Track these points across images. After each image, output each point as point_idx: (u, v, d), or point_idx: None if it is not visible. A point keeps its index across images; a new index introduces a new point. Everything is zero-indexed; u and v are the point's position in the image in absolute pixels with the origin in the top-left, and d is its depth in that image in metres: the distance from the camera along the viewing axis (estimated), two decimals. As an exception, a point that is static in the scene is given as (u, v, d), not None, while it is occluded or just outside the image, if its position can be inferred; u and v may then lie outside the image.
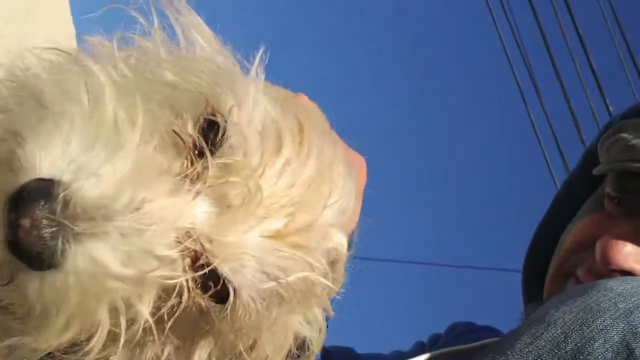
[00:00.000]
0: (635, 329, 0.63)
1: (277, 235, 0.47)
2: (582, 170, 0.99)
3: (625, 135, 0.87)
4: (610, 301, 0.65)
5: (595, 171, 0.89)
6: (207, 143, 0.47)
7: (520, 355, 0.65)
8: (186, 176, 0.46)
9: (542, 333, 0.65)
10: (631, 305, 0.64)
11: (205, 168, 0.46)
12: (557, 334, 0.64)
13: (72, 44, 0.60)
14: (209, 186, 0.46)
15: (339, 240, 0.53)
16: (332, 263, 0.53)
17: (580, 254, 0.86)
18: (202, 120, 0.48)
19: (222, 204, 0.46)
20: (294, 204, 0.48)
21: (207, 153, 0.46)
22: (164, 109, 0.47)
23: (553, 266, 0.90)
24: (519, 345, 0.65)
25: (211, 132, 0.48)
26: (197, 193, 0.45)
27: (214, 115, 0.48)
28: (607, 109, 4.24)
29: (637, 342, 0.62)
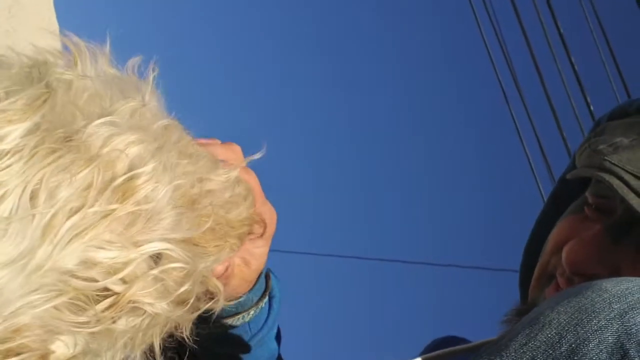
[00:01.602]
0: (630, 329, 0.63)
1: None
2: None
3: (600, 138, 0.87)
4: (605, 302, 0.65)
5: (569, 175, 0.89)
6: None
7: (515, 356, 0.64)
8: None
9: (537, 334, 0.65)
10: (626, 306, 0.64)
11: None
12: (552, 334, 0.64)
13: (55, 39, 0.59)
14: None
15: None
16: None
17: (558, 257, 0.86)
18: None
19: None
20: None
21: None
22: None
23: (537, 268, 0.90)
24: (514, 346, 0.65)
25: None
26: None
27: None
28: (589, 108, 4.27)
29: (632, 343, 0.62)
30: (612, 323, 0.63)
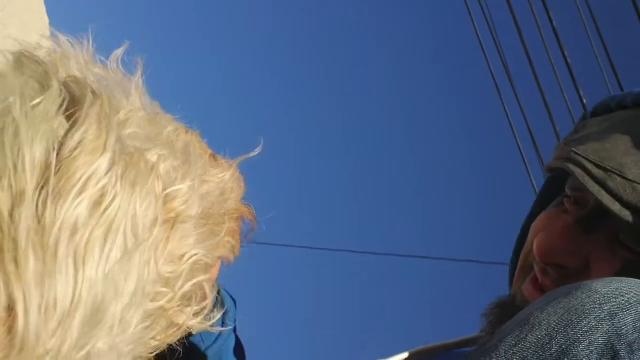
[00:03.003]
0: (620, 330, 0.62)
1: None
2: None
3: (575, 134, 0.88)
4: (595, 303, 0.64)
5: (545, 169, 0.90)
6: None
7: (505, 358, 0.64)
8: None
9: (527, 335, 0.64)
10: (616, 306, 0.64)
11: None
12: (542, 335, 0.64)
13: (45, 33, 0.58)
14: None
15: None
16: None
17: None
18: None
19: None
20: None
21: None
22: None
23: (519, 260, 0.91)
24: (504, 347, 0.65)
25: None
26: None
27: None
28: (582, 101, 4.28)
29: (622, 344, 0.62)
30: (602, 324, 0.63)
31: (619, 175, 0.78)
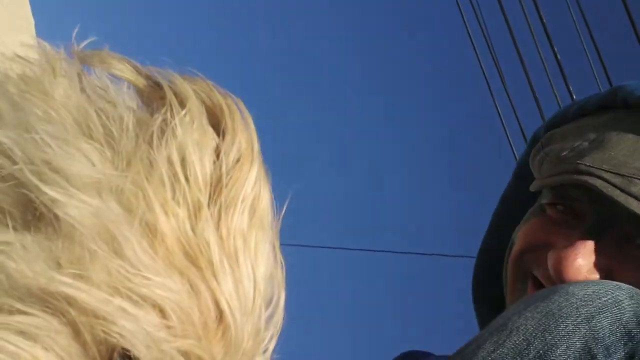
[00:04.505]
0: (597, 334, 0.62)
1: None
2: (516, 185, 0.99)
3: (555, 146, 0.86)
4: (572, 306, 0.64)
5: (532, 188, 0.88)
6: None
7: None
8: None
9: (505, 340, 0.64)
10: (593, 310, 0.63)
11: None
12: (520, 341, 0.64)
13: (31, 33, 0.57)
14: None
15: None
16: None
17: (532, 255, 0.85)
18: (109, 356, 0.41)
19: None
20: None
21: None
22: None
23: (509, 269, 0.89)
24: (482, 354, 0.64)
25: None
26: None
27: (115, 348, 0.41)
28: (571, 96, 4.29)
29: (599, 348, 0.62)
30: (579, 328, 0.63)
31: None
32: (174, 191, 0.43)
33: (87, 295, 0.39)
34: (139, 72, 0.48)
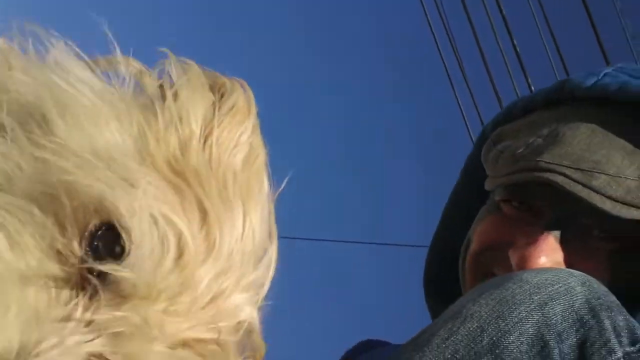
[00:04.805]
0: (550, 320, 0.63)
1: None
2: (466, 181, 0.99)
3: (508, 143, 0.86)
4: (525, 293, 0.64)
5: (487, 187, 0.88)
6: (101, 258, 0.40)
7: (438, 351, 0.64)
8: (76, 308, 0.39)
9: (459, 327, 0.64)
10: (545, 296, 0.64)
11: (97, 297, 0.39)
12: (474, 328, 0.64)
13: None
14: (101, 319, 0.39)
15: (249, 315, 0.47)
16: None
17: (491, 253, 0.85)
18: (92, 228, 0.40)
19: (116, 341, 0.39)
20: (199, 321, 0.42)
21: (96, 281, 0.39)
22: (47, 216, 0.40)
23: (467, 266, 0.89)
24: (436, 341, 0.65)
25: (107, 238, 0.41)
26: (89, 330, 0.38)
27: (108, 222, 0.40)
28: (529, 87, 4.35)
29: (551, 334, 0.62)
30: (532, 314, 0.63)
31: (601, 173, 0.76)
32: (166, 125, 0.45)
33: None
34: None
